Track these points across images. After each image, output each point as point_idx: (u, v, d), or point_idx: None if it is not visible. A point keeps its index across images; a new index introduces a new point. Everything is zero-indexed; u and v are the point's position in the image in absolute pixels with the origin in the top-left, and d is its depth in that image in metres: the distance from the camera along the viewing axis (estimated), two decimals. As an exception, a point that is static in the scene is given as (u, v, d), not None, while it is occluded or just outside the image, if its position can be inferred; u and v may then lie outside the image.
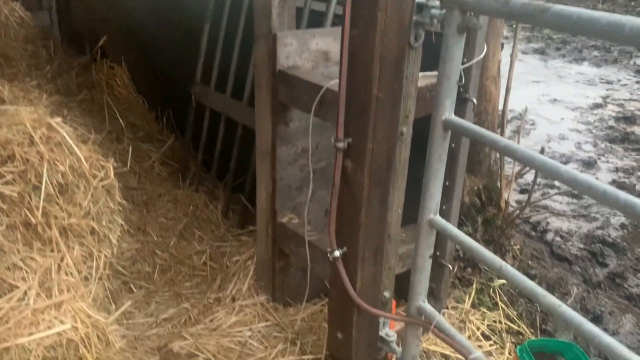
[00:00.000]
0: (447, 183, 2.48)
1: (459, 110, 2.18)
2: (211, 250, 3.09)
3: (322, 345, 2.43)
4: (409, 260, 2.41)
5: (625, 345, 2.76)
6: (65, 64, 4.70)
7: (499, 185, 3.28)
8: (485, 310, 2.78)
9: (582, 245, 3.59)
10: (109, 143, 3.67)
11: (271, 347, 2.49)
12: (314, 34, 2.37)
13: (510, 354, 2.54)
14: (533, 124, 5.73)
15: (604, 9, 9.17)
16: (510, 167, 3.44)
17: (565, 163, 4.90)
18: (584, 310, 3.08)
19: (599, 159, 4.98)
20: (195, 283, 2.93)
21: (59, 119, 1.73)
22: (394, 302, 2.32)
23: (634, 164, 4.88)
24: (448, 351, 2.47)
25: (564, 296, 3.17)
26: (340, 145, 1.82)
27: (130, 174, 3.71)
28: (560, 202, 4.18)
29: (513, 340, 2.65)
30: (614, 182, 4.51)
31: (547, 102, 6.40)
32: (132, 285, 2.83)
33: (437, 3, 1.67)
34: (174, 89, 4.12)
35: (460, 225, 3.03)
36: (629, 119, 5.92)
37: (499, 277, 2.92)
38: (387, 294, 2.23)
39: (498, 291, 2.88)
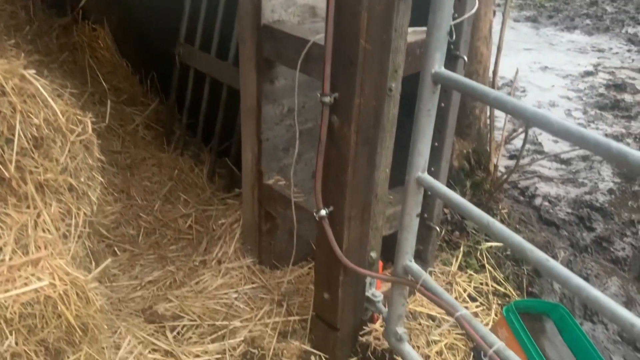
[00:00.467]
0: (436, 144, 2.44)
1: (449, 68, 2.11)
2: (197, 214, 3.04)
3: (308, 307, 2.42)
4: (396, 222, 2.38)
5: (610, 307, 2.75)
6: (46, 25, 4.53)
7: (488, 149, 3.25)
8: (472, 273, 2.78)
9: (569, 210, 3.59)
10: (91, 105, 3.57)
11: (257, 309, 2.47)
12: (300, -13, 2.28)
13: (496, 315, 2.54)
14: (524, 91, 5.68)
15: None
16: (500, 133, 3.41)
17: (555, 130, 4.88)
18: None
19: (589, 125, 4.96)
20: (180, 246, 2.89)
21: (32, 71, 1.65)
22: (380, 263, 2.31)
23: (623, 130, 4.87)
24: (435, 312, 2.47)
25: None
26: (327, 99, 1.76)
27: (114, 138, 3.63)
28: (549, 168, 4.16)
29: (499, 302, 2.66)
30: (602, 149, 4.50)
31: (538, 69, 6.34)
32: (116, 249, 2.79)
33: (428, -51, 1.60)
34: (159, 50, 4.00)
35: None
36: (620, 87, 5.89)
37: (487, 234, 2.92)
38: (374, 254, 2.21)
39: (485, 254, 2.87)
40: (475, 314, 2.54)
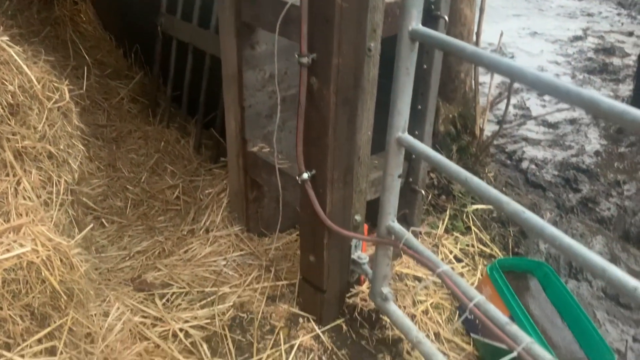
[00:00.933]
0: (419, 107, 2.44)
1: (431, 28, 2.11)
2: (184, 185, 3.05)
3: (296, 272, 2.45)
4: (380, 186, 2.40)
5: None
6: (26, 0, 4.47)
7: (474, 113, 3.25)
8: (459, 235, 2.80)
9: (556, 173, 3.62)
10: (75, 79, 3.53)
11: (246, 275, 2.49)
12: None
13: (482, 274, 2.58)
14: (512, 57, 5.66)
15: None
16: (486, 98, 3.40)
17: (543, 94, 4.88)
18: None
19: (577, 90, 4.95)
20: (168, 217, 2.90)
21: (5, 38, 1.63)
22: (366, 227, 2.32)
23: (611, 93, 4.88)
24: (420, 273, 2.51)
25: (536, 221, 3.21)
26: (304, 60, 1.75)
27: (99, 112, 3.61)
28: (537, 132, 4.18)
29: (485, 262, 2.69)
30: (590, 112, 4.51)
31: (527, 35, 6.31)
32: (103, 220, 2.80)
33: None
34: (141, 22, 3.95)
35: (434, 153, 3.01)
36: (608, 50, 5.87)
37: (468, 191, 2.94)
38: (358, 217, 2.22)
39: (471, 216, 2.90)
40: (462, 275, 2.58)
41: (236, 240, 2.68)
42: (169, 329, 2.17)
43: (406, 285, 2.44)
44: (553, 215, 3.19)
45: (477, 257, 2.72)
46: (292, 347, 2.12)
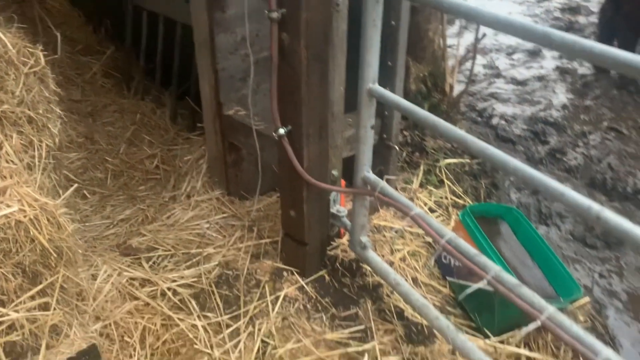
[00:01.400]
0: (389, 63, 2.51)
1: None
2: (162, 154, 3.09)
3: (278, 230, 2.52)
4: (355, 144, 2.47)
5: (561, 209, 2.93)
6: (-12, -21, 4.37)
7: (443, 71, 3.33)
8: (433, 189, 2.91)
9: (525, 127, 3.74)
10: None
11: (229, 236, 2.56)
12: None
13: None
14: (481, 19, 5.74)
15: None
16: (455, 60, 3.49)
17: (512, 53, 4.99)
18: (526, 184, 3.26)
19: (544, 48, 5.07)
20: (149, 186, 2.95)
21: (-24, 4, 1.64)
22: (343, 182, 2.40)
23: (577, 50, 4.99)
24: (397, 225, 2.61)
25: (507, 173, 3.33)
26: (274, 15, 1.80)
27: (73, 87, 3.60)
28: (506, 90, 4.29)
29: (458, 212, 2.80)
30: (557, 68, 4.63)
31: (495, -3, 6.39)
32: (85, 192, 2.83)
33: None
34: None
35: (407, 112, 3.10)
36: (574, 9, 5.99)
37: (435, 132, 3.04)
38: (335, 172, 2.30)
39: (444, 170, 3.00)
40: (436, 224, 2.68)
41: (218, 204, 2.74)
42: (157, 289, 2.24)
43: (384, 236, 2.54)
44: (523, 167, 3.31)
45: (450, 208, 2.83)
46: (277, 298, 2.21)
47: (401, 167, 3.04)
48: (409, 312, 2.16)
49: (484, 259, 1.66)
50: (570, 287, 2.25)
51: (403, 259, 2.41)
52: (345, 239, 2.45)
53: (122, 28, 3.77)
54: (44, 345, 1.67)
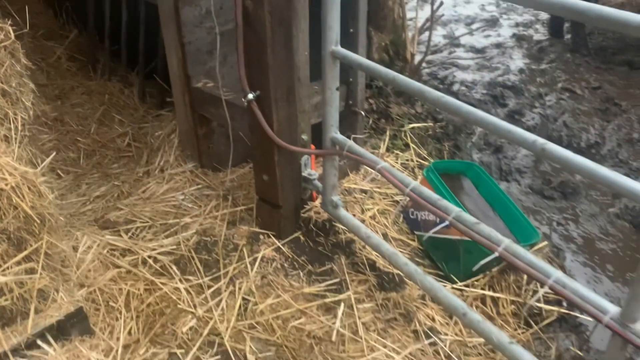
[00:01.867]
0: (351, 30, 2.60)
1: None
2: (133, 132, 3.13)
3: (252, 198, 2.61)
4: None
5: (520, 166, 3.09)
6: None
7: (404, 39, 3.44)
8: (399, 152, 3.03)
9: (485, 91, 3.89)
10: (8, 41, 3.49)
11: (205, 205, 2.64)
12: None
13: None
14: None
15: None
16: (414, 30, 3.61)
17: (471, 23, 5.14)
18: (487, 145, 3.42)
19: (501, 17, 5.24)
20: (122, 163, 2.99)
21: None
22: (312, 147, 2.50)
23: (532, 18, 5.18)
24: (367, 187, 2.72)
25: (469, 135, 3.49)
26: (237, -18, 1.87)
27: (38, 72, 3.59)
28: (466, 58, 4.43)
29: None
30: (514, 35, 4.80)
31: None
32: (59, 172, 2.86)
33: None
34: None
35: (371, 81, 3.21)
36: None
37: (394, 86, 3.17)
38: (304, 137, 2.39)
39: (409, 135, 3.13)
40: (404, 184, 2.81)
41: (191, 176, 2.81)
42: (138, 257, 2.31)
43: (354, 197, 2.66)
44: (482, 130, 3.47)
45: (416, 170, 2.96)
46: (255, 259, 2.31)
47: (368, 134, 3.16)
48: (380, 263, 2.28)
49: (445, 203, 1.79)
50: (530, 234, 2.41)
51: (373, 217, 2.53)
52: (317, 202, 2.56)
53: (83, 11, 3.76)
54: (32, 309, 1.74)
